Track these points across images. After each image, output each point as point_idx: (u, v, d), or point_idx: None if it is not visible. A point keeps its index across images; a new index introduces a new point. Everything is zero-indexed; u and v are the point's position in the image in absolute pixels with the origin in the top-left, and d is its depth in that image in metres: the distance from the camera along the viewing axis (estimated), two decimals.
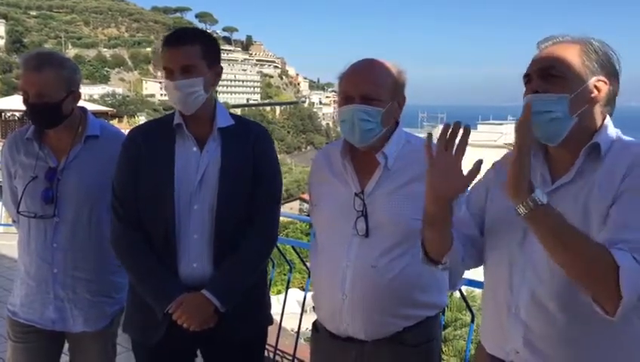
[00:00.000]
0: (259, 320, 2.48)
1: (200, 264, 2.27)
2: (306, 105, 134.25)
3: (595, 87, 1.60)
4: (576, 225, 1.49)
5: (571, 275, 1.45)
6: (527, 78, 1.65)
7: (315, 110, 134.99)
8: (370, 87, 2.04)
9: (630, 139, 1.66)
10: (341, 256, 2.08)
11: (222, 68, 2.38)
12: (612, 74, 1.62)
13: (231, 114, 2.43)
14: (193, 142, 2.31)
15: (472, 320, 3.20)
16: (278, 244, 3.59)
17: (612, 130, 1.63)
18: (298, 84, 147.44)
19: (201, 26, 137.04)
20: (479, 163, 1.58)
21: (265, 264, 2.52)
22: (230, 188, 2.28)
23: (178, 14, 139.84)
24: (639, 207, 1.46)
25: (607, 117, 1.65)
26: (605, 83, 1.60)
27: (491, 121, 38.36)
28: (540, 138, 1.64)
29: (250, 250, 2.31)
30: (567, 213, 1.54)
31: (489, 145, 26.38)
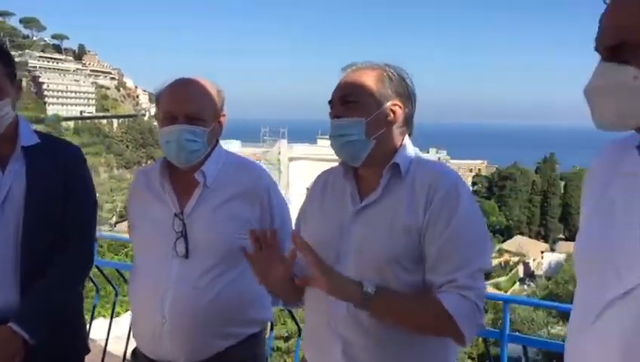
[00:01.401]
0: (74, 350, 2.32)
1: (3, 294, 2.08)
2: (145, 118, 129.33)
3: (391, 110, 1.72)
4: (384, 239, 1.65)
5: (413, 332, 1.64)
6: (331, 103, 1.75)
7: (155, 123, 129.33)
8: (194, 106, 2.02)
9: (426, 157, 1.81)
10: (160, 278, 2.03)
11: (21, 80, 2.22)
12: (407, 97, 1.75)
13: (37, 132, 2.26)
14: None
15: (299, 334, 3.28)
16: (101, 267, 3.41)
17: (410, 150, 1.77)
18: (137, 96, 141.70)
19: (27, 32, 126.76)
20: (294, 251, 1.66)
21: (79, 288, 2.37)
22: (37, 209, 2.12)
23: (0, 19, 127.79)
24: (456, 245, 1.62)
25: (407, 137, 1.79)
26: (400, 107, 1.73)
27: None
28: (343, 158, 1.76)
29: (61, 275, 2.16)
30: (375, 229, 1.68)
31: (327, 159, 27.35)
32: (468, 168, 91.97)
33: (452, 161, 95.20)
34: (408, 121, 1.78)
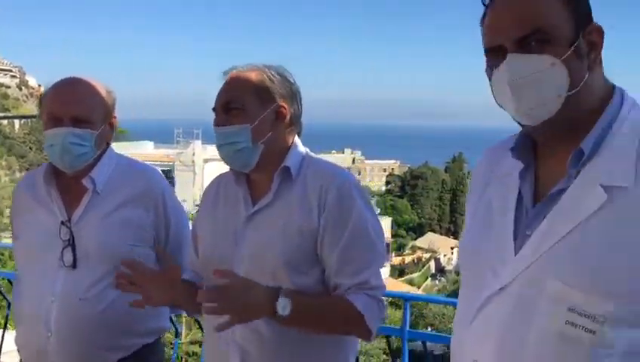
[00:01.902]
0: None
1: None
2: None
3: (277, 112, 1.71)
4: (277, 243, 1.65)
5: (323, 333, 1.69)
6: (215, 111, 1.72)
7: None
8: (81, 108, 1.92)
9: (317, 157, 1.81)
10: (45, 290, 1.92)
11: None
12: (291, 97, 1.75)
13: None
14: None
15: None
16: None
17: (301, 150, 1.77)
18: (41, 95, 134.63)
19: None
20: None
21: None
22: None
23: None
24: (357, 247, 1.66)
25: (296, 137, 1.79)
26: (285, 108, 1.72)
27: None
28: (233, 167, 1.74)
29: None
30: (268, 233, 1.67)
31: None
32: (382, 168, 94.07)
33: (366, 161, 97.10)
34: (296, 121, 1.77)
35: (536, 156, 1.26)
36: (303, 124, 1.80)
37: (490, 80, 1.20)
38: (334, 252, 1.65)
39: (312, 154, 1.81)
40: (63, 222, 1.95)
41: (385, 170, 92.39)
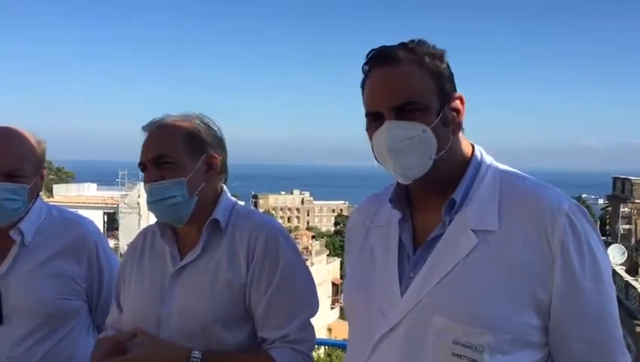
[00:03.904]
0: None
1: None
2: None
3: (207, 163, 1.70)
4: (206, 299, 1.63)
5: None
6: (142, 166, 1.69)
7: None
8: (12, 162, 1.86)
9: (244, 206, 1.82)
10: None
11: None
12: (218, 145, 1.75)
13: None
14: None
15: None
16: None
17: (229, 198, 1.76)
18: None
19: None
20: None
21: None
22: None
23: None
24: (282, 299, 1.64)
25: (224, 186, 1.79)
26: (216, 157, 1.72)
27: None
28: (167, 222, 1.72)
29: None
30: (196, 289, 1.65)
31: None
32: (330, 208, 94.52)
33: (315, 202, 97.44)
34: (224, 169, 1.77)
35: (412, 206, 1.40)
36: (228, 171, 1.80)
37: (370, 140, 1.34)
38: (260, 304, 1.63)
39: (240, 203, 1.81)
40: None
41: (334, 211, 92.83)
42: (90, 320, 2.04)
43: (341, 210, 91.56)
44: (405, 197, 1.40)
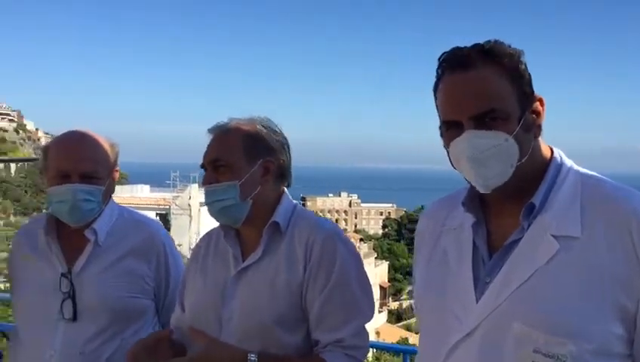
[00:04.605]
0: None
1: None
2: None
3: (264, 168, 1.72)
4: (266, 301, 1.65)
5: None
6: (203, 168, 1.73)
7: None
8: (89, 164, 1.93)
9: (305, 209, 1.82)
10: (44, 344, 1.90)
11: None
12: (279, 150, 1.75)
13: None
14: None
15: None
16: None
17: (290, 202, 1.77)
18: (38, 139, 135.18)
19: None
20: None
21: None
22: None
23: None
24: (337, 302, 1.63)
25: (285, 189, 1.80)
26: (272, 162, 1.73)
27: None
28: (222, 222, 1.75)
29: None
30: (257, 291, 1.67)
31: None
32: (378, 211, 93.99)
33: (363, 205, 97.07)
34: (284, 173, 1.77)
35: (485, 210, 1.37)
36: (292, 174, 1.80)
37: (446, 146, 1.31)
38: (314, 304, 1.63)
39: (301, 206, 1.81)
40: (63, 274, 1.95)
41: (381, 214, 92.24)
42: (157, 319, 2.09)
43: (389, 212, 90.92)
44: (479, 200, 1.37)
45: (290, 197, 1.80)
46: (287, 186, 1.81)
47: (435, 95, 1.33)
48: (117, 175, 2.09)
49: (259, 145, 1.71)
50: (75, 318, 1.91)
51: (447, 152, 1.32)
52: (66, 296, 1.92)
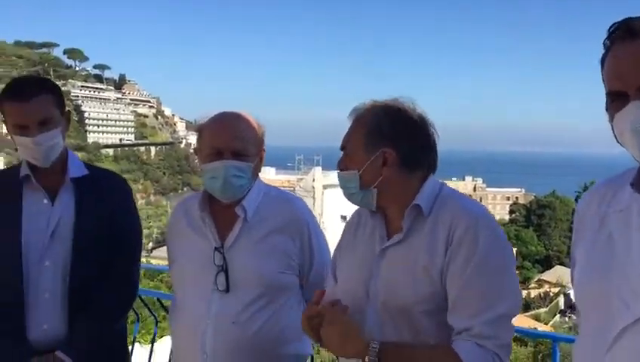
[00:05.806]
0: None
1: (51, 325, 2.12)
2: (182, 145, 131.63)
3: (383, 157, 1.68)
4: (406, 283, 1.63)
5: None
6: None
7: (191, 151, 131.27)
8: (240, 142, 2.03)
9: (451, 190, 1.75)
10: (201, 313, 2.02)
11: (70, 112, 2.29)
12: (405, 136, 1.69)
13: (85, 163, 2.32)
14: (44, 194, 2.18)
15: None
16: (143, 297, 3.45)
17: (433, 187, 1.71)
18: (174, 124, 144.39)
19: (69, 62, 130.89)
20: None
21: (123, 322, 2.40)
22: (85, 242, 2.16)
23: (44, 50, 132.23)
24: (475, 287, 1.56)
25: (430, 175, 1.73)
26: (391, 153, 1.68)
27: None
28: (358, 206, 1.80)
29: (106, 308, 2.20)
30: (398, 272, 1.66)
31: None
32: (505, 196, 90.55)
33: (488, 189, 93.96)
34: (407, 161, 1.70)
35: None
36: (435, 158, 1.74)
37: (611, 119, 1.25)
38: (453, 290, 1.58)
39: (449, 188, 1.75)
40: (216, 248, 2.06)
41: (508, 199, 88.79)
42: (300, 294, 2.15)
43: (517, 198, 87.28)
44: None
45: (434, 180, 1.74)
46: (430, 171, 1.74)
47: (602, 66, 1.27)
48: (264, 154, 2.17)
49: (380, 135, 1.69)
50: (227, 290, 2.02)
51: (612, 127, 1.24)
52: (220, 269, 2.03)
